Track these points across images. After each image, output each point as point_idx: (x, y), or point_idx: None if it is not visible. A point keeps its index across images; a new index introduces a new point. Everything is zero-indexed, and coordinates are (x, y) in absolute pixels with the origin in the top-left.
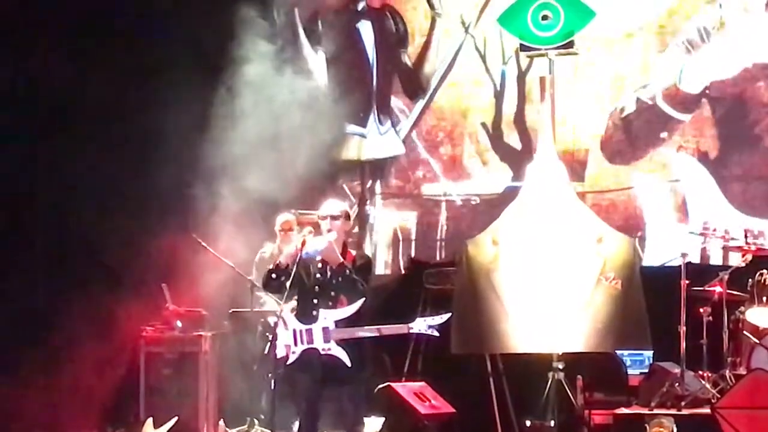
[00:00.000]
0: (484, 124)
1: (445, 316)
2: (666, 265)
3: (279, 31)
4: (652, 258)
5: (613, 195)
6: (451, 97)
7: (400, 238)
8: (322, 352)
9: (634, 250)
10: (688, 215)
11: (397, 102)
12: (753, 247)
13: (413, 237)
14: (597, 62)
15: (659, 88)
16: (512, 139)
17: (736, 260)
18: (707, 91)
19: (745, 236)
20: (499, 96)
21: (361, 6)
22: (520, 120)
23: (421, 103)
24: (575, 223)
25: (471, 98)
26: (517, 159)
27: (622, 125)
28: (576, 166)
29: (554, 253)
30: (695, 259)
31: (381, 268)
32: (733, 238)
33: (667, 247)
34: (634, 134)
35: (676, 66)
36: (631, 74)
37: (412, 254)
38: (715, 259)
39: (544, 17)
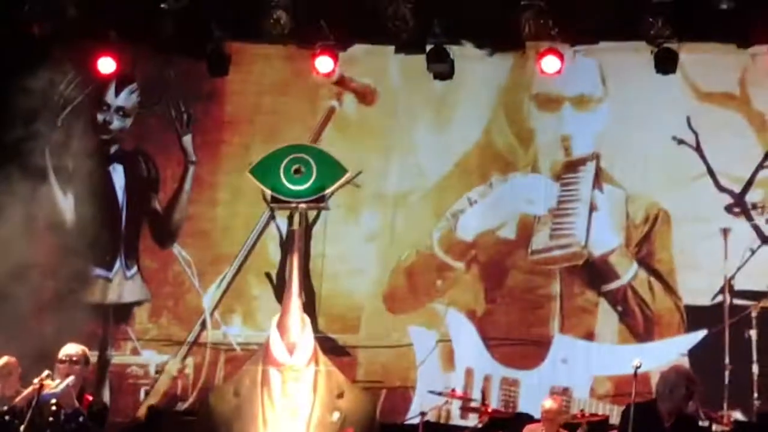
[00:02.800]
0: (268, 275)
1: None
2: (407, 422)
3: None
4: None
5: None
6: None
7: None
8: None
9: (374, 405)
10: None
11: None
12: (490, 409)
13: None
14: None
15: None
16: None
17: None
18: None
19: (483, 397)
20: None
21: (114, 149)
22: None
23: None
24: (317, 377)
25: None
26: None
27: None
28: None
29: (295, 407)
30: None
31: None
32: (471, 399)
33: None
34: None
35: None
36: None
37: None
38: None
39: (297, 171)
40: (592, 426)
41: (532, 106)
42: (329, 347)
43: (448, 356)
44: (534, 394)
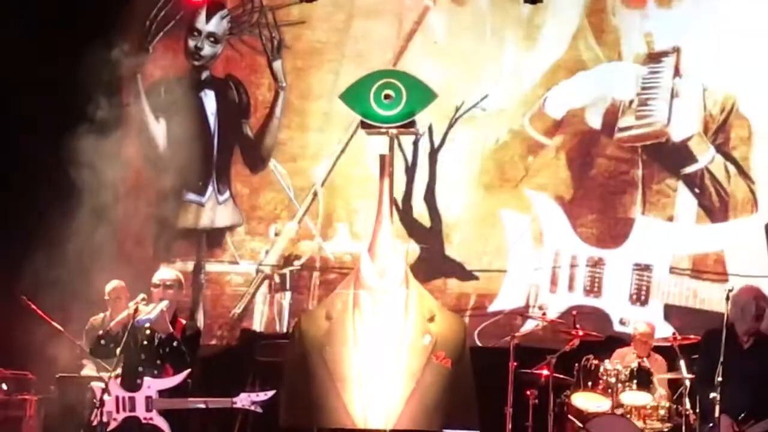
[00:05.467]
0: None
1: (270, 393)
2: (496, 345)
3: (122, 96)
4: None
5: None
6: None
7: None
8: (144, 421)
9: (464, 329)
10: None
11: None
12: (581, 333)
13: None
14: None
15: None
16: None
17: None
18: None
19: (573, 321)
20: (409, 171)
21: (204, 75)
22: (430, 197)
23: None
24: (408, 301)
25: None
26: (427, 235)
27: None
28: None
29: (386, 330)
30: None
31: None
32: (561, 321)
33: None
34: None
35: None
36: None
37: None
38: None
39: (387, 96)
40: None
41: (617, 2)
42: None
43: (538, 238)
44: (618, 272)
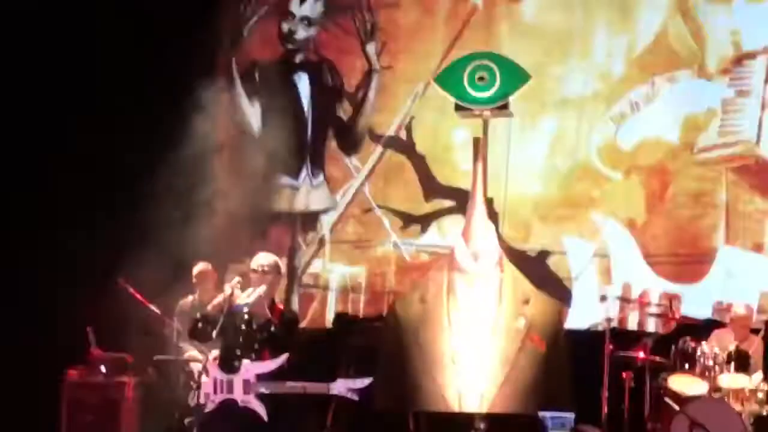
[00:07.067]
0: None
1: (366, 380)
2: (591, 328)
3: (216, 79)
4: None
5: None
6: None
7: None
8: (241, 404)
9: (559, 312)
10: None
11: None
12: (678, 315)
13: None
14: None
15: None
16: None
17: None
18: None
19: (670, 304)
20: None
21: (298, 58)
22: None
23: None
24: (503, 283)
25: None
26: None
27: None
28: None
29: (481, 314)
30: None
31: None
32: (658, 305)
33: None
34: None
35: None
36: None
37: (361, 308)
38: (632, 325)
39: (480, 78)
40: None
41: None
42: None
43: (605, 270)
44: (696, 311)
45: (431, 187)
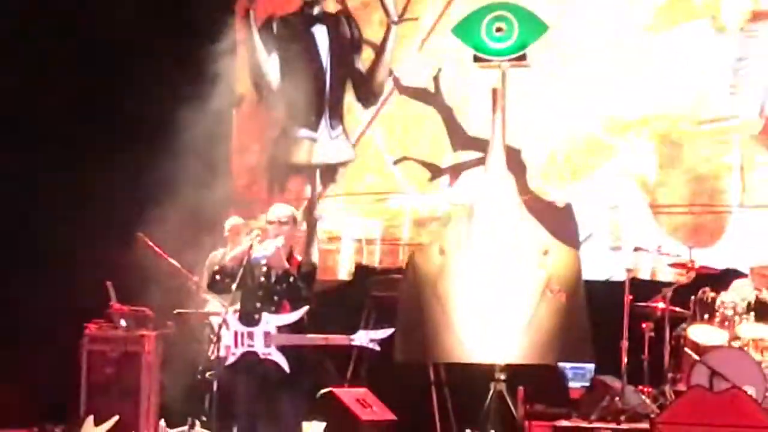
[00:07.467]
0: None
1: (388, 331)
2: (610, 279)
3: (234, 32)
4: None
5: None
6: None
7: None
8: (262, 356)
9: (578, 263)
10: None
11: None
12: (696, 265)
13: (376, 243)
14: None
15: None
16: None
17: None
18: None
19: (690, 254)
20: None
21: (316, 11)
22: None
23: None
24: (522, 235)
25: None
26: None
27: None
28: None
29: (500, 265)
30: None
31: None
32: (677, 255)
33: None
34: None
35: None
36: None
37: (377, 260)
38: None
39: (498, 29)
40: None
41: None
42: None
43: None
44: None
45: (458, 138)
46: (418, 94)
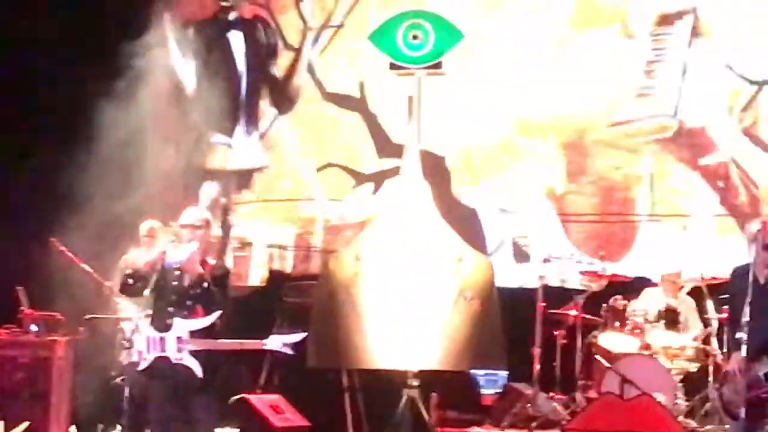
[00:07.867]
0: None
1: (301, 335)
2: (523, 287)
3: (149, 36)
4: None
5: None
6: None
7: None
8: (174, 361)
9: (492, 271)
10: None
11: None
12: (608, 273)
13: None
14: None
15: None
16: None
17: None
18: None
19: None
20: None
21: (232, 16)
22: None
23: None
24: (436, 242)
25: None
26: None
27: None
28: None
29: (414, 272)
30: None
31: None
32: (590, 263)
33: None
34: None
35: None
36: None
37: (290, 266)
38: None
39: (414, 37)
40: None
41: None
42: None
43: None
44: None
45: (383, 145)
46: (343, 100)
